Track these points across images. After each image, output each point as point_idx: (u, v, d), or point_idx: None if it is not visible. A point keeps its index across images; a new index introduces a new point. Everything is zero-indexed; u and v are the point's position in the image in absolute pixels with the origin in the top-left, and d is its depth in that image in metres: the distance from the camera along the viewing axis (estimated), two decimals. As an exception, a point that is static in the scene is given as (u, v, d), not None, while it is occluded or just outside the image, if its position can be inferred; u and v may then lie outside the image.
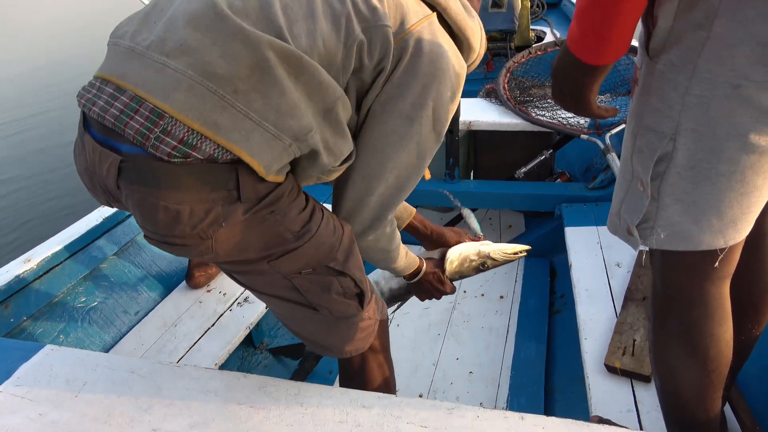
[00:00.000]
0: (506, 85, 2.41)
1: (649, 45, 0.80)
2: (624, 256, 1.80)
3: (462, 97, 2.24)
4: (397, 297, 1.41)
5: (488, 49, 3.54)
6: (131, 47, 0.81)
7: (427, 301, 1.39)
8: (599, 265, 1.78)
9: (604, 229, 1.96)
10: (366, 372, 1.15)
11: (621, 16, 0.76)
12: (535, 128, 2.32)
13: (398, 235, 1.12)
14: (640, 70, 0.84)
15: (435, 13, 0.95)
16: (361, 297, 1.03)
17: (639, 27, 0.81)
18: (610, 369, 1.41)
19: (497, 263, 1.38)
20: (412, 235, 1.38)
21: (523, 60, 2.56)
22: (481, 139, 2.67)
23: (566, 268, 2.27)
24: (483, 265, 1.36)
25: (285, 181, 0.86)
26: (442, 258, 1.35)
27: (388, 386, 1.19)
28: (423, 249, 1.42)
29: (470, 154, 2.72)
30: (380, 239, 1.06)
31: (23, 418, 1.08)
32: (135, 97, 0.77)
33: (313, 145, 0.84)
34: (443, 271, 1.33)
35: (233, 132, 0.76)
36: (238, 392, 1.09)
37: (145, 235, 0.88)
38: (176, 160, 0.75)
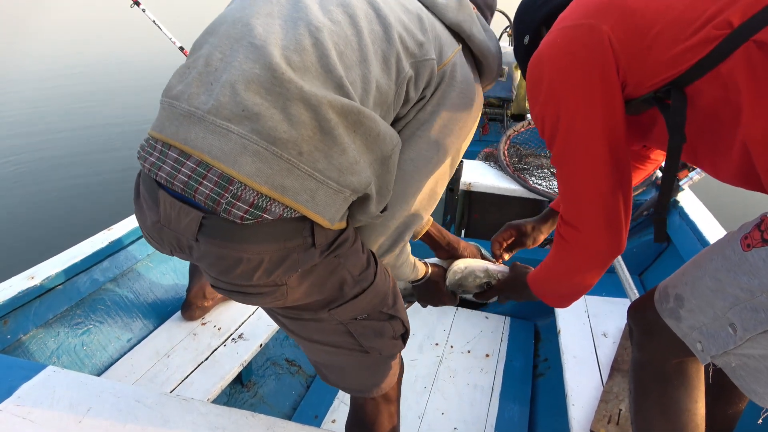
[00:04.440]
0: (506, 152, 2.54)
1: None
2: (610, 327, 1.88)
3: (463, 158, 2.33)
4: (402, 297, 1.36)
5: (485, 113, 3.71)
6: (190, 111, 0.81)
7: (415, 353, 1.39)
8: (586, 333, 1.85)
9: (591, 299, 2.05)
10: (378, 421, 1.17)
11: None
12: (529, 195, 2.44)
13: (408, 252, 1.12)
14: None
15: (461, 45, 1.01)
16: (405, 336, 1.09)
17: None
18: (596, 437, 1.46)
19: None
20: (428, 244, 1.38)
21: (522, 129, 2.70)
22: (476, 199, 2.78)
23: (550, 332, 2.35)
24: (488, 285, 1.32)
25: (347, 228, 0.90)
26: (444, 273, 1.33)
27: None
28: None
29: (464, 212, 2.82)
30: (392, 260, 1.06)
31: (25, 440, 1.07)
32: (201, 163, 0.78)
33: (370, 193, 0.87)
34: (445, 279, 1.32)
35: (300, 193, 0.79)
36: (247, 431, 1.10)
37: (213, 285, 0.90)
38: (248, 222, 0.78)
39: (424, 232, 1.34)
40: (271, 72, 0.78)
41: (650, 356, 1.07)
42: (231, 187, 0.77)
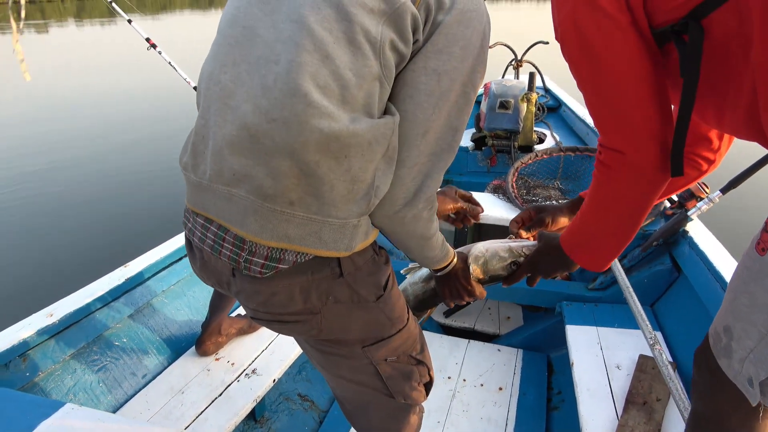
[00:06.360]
0: (514, 184, 2.57)
1: None
2: (623, 359, 1.87)
3: (472, 190, 2.36)
4: (423, 302, 1.25)
5: (492, 145, 3.76)
6: (198, 182, 0.90)
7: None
8: (600, 365, 1.84)
9: (603, 330, 2.04)
10: None
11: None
12: (539, 226, 2.46)
13: (437, 221, 1.01)
14: None
15: None
16: (428, 386, 1.10)
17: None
18: (613, 472, 1.44)
19: None
20: None
21: (530, 161, 2.73)
22: (485, 231, 2.80)
23: (563, 364, 2.33)
24: (515, 264, 1.17)
25: (387, 266, 0.95)
26: (466, 259, 1.18)
27: None
28: None
29: (474, 244, 2.84)
30: (419, 221, 0.93)
31: (44, 479, 1.09)
32: (221, 227, 0.88)
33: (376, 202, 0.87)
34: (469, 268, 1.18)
35: (305, 238, 0.83)
36: (262, 468, 1.11)
37: (253, 317, 0.95)
38: (268, 275, 0.85)
39: None
40: (246, 131, 0.81)
41: (712, 409, 0.99)
42: (245, 246, 0.85)
